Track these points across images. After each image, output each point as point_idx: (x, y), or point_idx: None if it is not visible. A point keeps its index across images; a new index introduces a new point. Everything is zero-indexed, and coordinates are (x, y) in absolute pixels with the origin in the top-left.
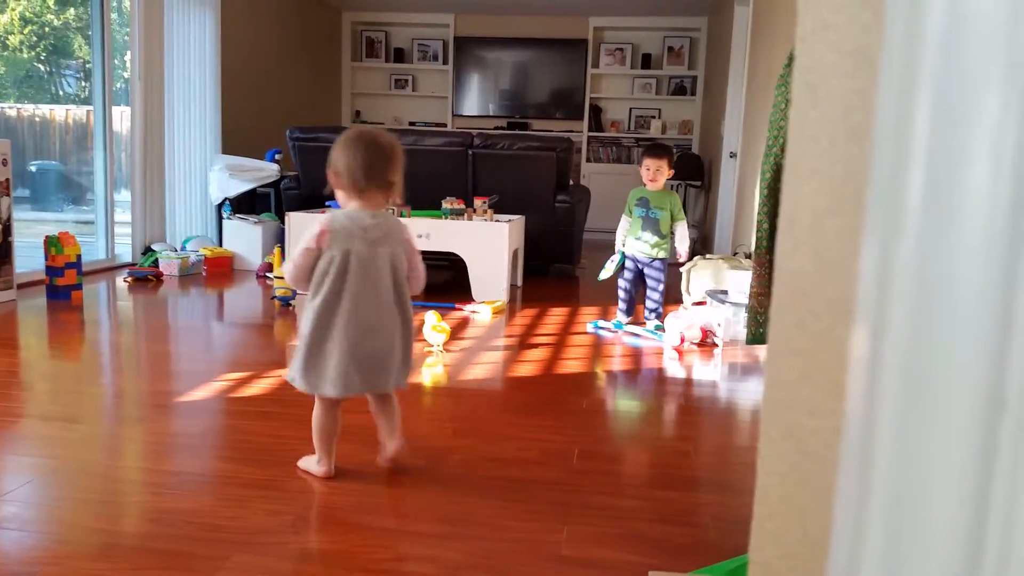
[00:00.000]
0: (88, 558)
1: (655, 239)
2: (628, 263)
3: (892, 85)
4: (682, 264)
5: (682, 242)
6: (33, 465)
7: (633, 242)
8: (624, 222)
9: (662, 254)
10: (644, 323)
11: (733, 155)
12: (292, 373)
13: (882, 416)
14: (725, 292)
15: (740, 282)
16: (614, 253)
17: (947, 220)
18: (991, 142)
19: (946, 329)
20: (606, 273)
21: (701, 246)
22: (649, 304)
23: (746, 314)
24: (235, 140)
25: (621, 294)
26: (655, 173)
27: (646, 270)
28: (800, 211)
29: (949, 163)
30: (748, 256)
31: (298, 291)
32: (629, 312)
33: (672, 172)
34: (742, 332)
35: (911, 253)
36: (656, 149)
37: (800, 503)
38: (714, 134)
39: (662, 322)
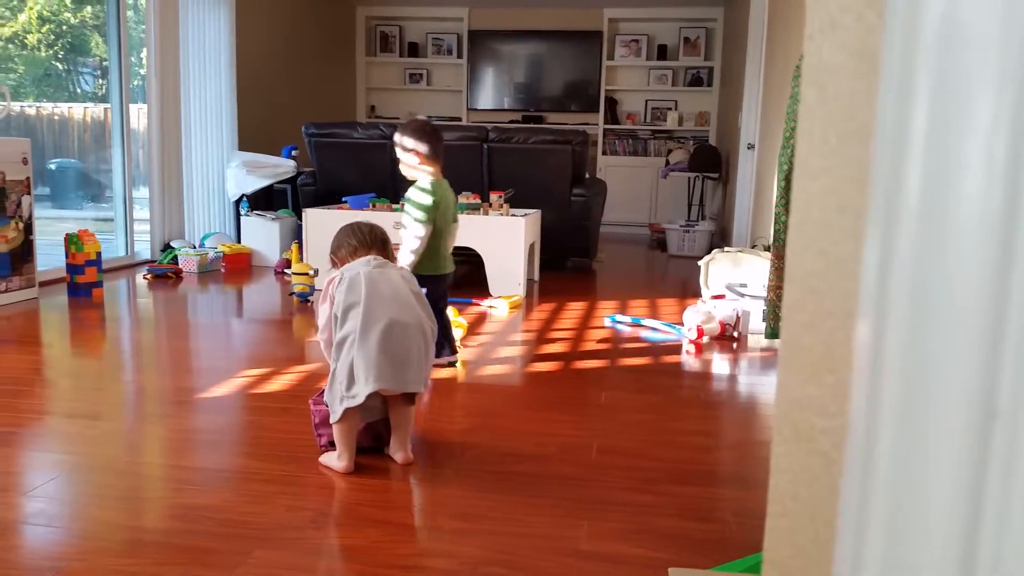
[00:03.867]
0: (112, 554)
1: None
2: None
3: (891, 87)
4: None
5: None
6: (58, 462)
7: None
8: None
9: None
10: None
11: (751, 146)
12: (334, 407)
13: (882, 418)
14: (744, 285)
15: (759, 275)
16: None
17: (941, 225)
18: (984, 146)
19: (941, 334)
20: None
21: (720, 238)
22: None
23: (765, 308)
24: (251, 136)
25: None
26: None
27: None
28: (809, 209)
29: (944, 165)
30: (767, 249)
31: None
32: None
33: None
34: (761, 326)
35: (908, 255)
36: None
37: (811, 503)
38: (731, 125)
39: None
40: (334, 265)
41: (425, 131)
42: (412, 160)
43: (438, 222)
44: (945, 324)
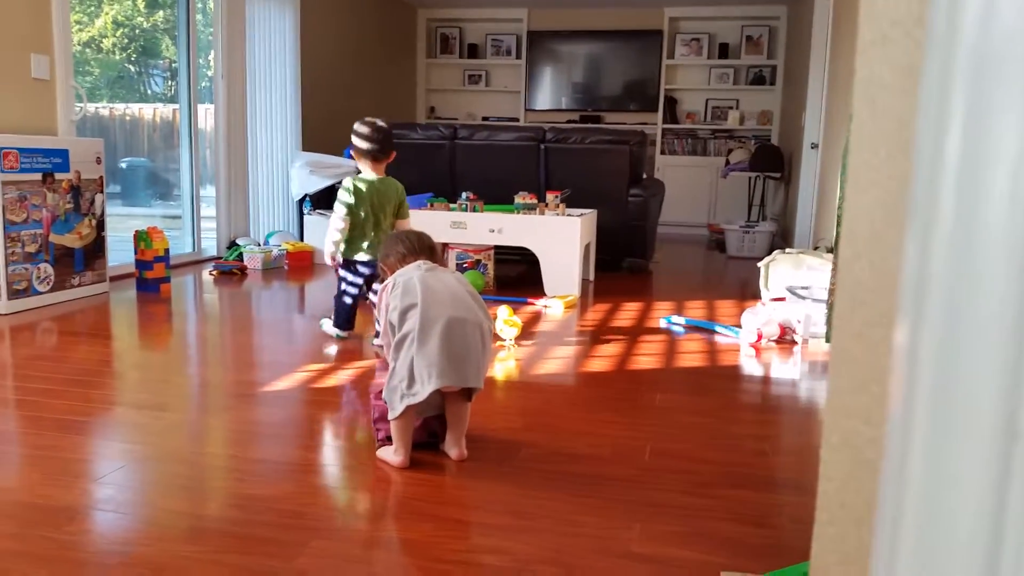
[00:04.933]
0: (176, 540)
1: None
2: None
3: (931, 106)
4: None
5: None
6: (125, 451)
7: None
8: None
9: None
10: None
11: (814, 146)
12: (393, 403)
13: (915, 431)
14: (806, 288)
15: (821, 278)
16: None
17: (970, 243)
18: (1012, 166)
19: (971, 351)
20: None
21: (781, 239)
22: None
23: (826, 311)
24: (314, 137)
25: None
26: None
27: None
28: (859, 221)
29: (976, 182)
30: (829, 251)
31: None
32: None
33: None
34: (822, 329)
35: (942, 268)
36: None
37: (857, 511)
38: (795, 125)
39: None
40: (385, 274)
41: (365, 130)
42: (356, 154)
43: (359, 214)
44: (975, 341)
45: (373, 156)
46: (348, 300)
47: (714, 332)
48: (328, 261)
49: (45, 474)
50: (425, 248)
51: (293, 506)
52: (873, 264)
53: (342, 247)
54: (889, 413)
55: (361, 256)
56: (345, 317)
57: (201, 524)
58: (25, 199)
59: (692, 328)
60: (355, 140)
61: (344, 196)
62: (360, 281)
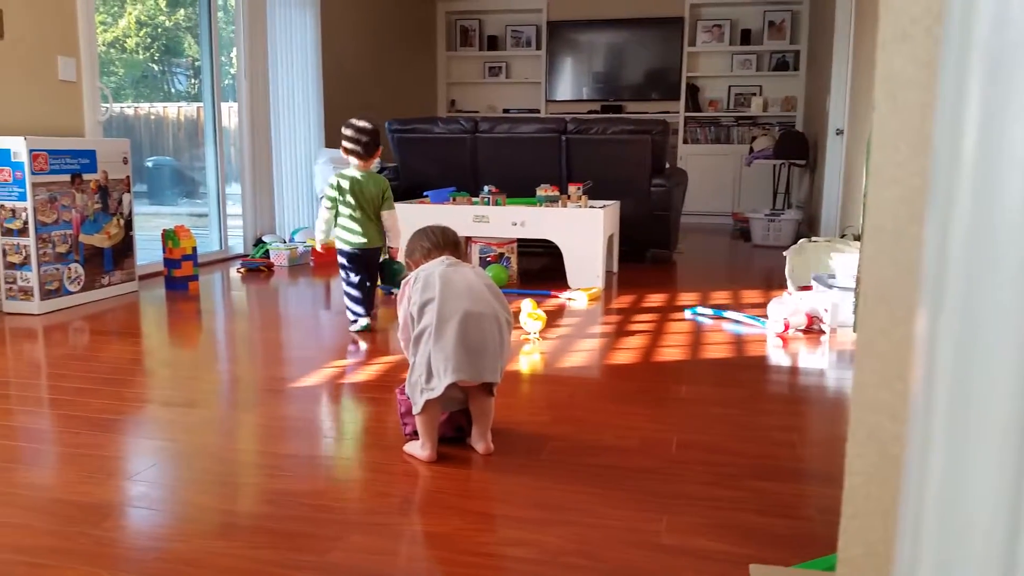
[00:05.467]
0: (209, 536)
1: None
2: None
3: (948, 102)
4: None
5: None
6: (157, 448)
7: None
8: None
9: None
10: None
11: (839, 132)
12: (414, 398)
13: (935, 420)
14: (833, 276)
15: (848, 265)
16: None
17: (989, 237)
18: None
19: (989, 342)
20: None
21: (807, 227)
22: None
23: (854, 300)
24: (337, 133)
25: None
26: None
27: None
28: (883, 217)
29: (992, 176)
30: (856, 238)
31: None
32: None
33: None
34: (850, 318)
35: (960, 260)
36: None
37: (882, 504)
38: (819, 110)
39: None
40: (409, 269)
41: (350, 132)
42: (344, 151)
43: (344, 206)
44: (992, 330)
45: (358, 155)
46: (347, 290)
47: (740, 322)
48: (319, 247)
49: (81, 472)
50: (450, 243)
51: (324, 501)
52: (896, 260)
53: (331, 235)
54: (910, 402)
55: (349, 245)
56: (352, 308)
57: (233, 520)
58: (55, 200)
59: (718, 319)
60: (343, 139)
61: (328, 191)
62: (354, 267)
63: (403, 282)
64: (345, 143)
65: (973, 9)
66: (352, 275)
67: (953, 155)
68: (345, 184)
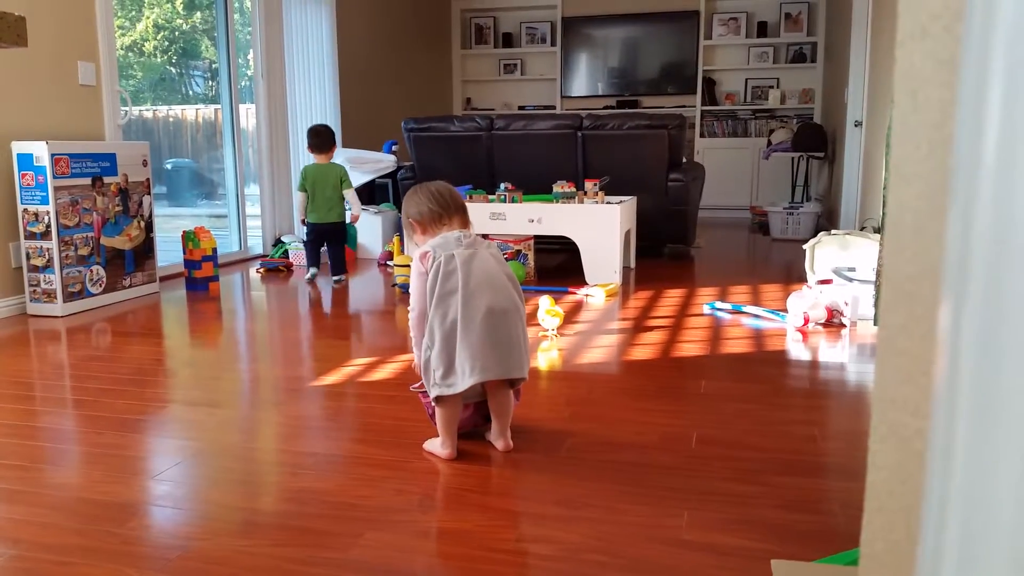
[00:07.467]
0: (232, 534)
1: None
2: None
3: (968, 98)
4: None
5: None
6: (180, 447)
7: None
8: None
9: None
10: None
11: (858, 124)
12: (429, 388)
13: (959, 413)
14: (852, 269)
15: (868, 258)
16: None
17: (1011, 229)
18: None
19: (1012, 333)
20: None
21: (826, 220)
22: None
23: (875, 293)
24: (354, 133)
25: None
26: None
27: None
28: (903, 213)
29: (1013, 172)
30: (876, 231)
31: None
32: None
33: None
34: (871, 312)
35: (982, 252)
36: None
37: (905, 499)
38: (837, 102)
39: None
40: (413, 229)
41: (310, 133)
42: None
43: (309, 190)
44: (1015, 322)
45: (316, 149)
46: (306, 247)
47: (759, 317)
48: (298, 220)
49: (105, 471)
50: (460, 207)
51: (346, 498)
52: (918, 256)
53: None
54: (933, 397)
55: (308, 218)
56: (307, 259)
57: (256, 518)
58: (76, 203)
59: (737, 313)
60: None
61: (299, 178)
62: (312, 234)
63: (418, 256)
64: (308, 143)
65: (994, 7)
66: (309, 237)
67: (974, 151)
68: (308, 173)
